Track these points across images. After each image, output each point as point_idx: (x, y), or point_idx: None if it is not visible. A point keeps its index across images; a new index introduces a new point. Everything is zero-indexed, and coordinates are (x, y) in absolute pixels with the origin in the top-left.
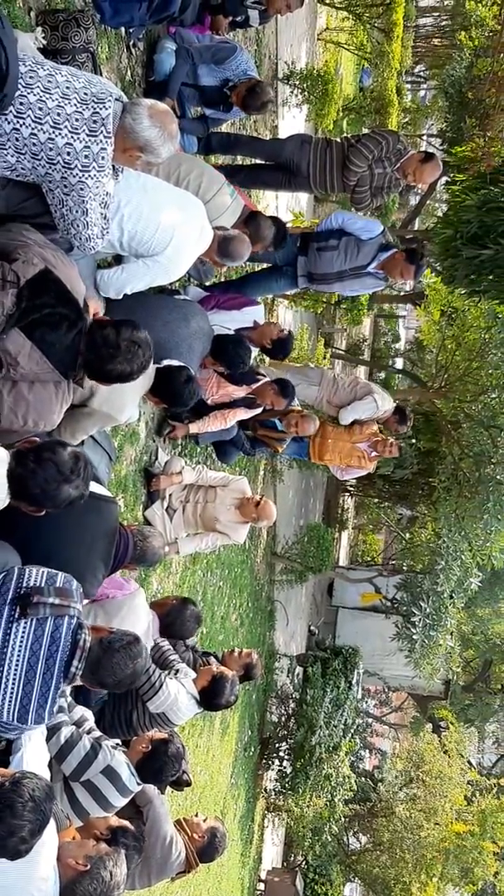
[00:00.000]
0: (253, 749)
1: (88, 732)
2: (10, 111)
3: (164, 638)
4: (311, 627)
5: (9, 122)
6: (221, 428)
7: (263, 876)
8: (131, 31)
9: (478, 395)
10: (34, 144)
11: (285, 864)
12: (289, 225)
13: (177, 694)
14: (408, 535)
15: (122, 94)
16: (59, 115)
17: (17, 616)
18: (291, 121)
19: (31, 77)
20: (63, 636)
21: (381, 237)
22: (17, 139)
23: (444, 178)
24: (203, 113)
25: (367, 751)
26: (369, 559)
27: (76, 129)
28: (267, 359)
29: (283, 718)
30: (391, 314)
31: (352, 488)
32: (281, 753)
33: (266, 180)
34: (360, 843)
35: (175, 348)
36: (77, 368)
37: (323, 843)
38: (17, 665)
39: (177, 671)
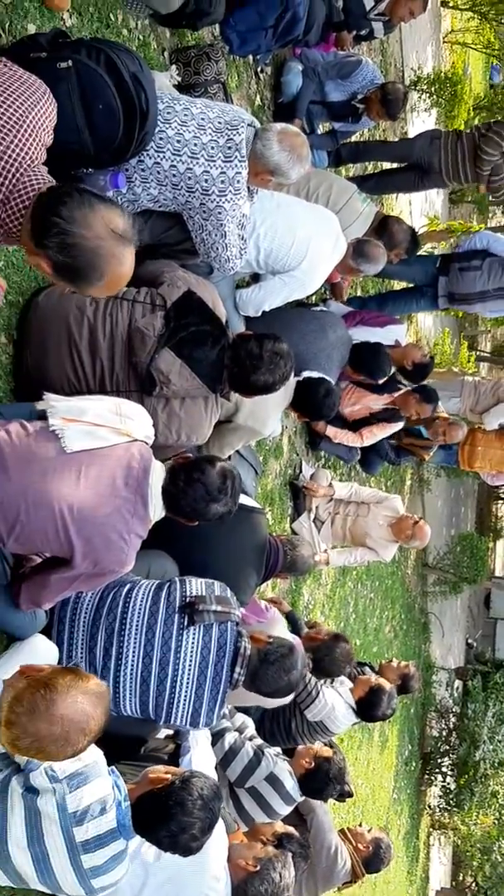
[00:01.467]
0: (414, 764)
1: (250, 739)
2: (151, 146)
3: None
4: (469, 640)
5: (150, 157)
6: (353, 444)
7: None
8: (258, 57)
9: None
10: (174, 175)
11: (454, 883)
12: (424, 230)
13: (334, 702)
14: None
15: (254, 119)
16: (195, 145)
17: (186, 623)
18: (421, 125)
19: (168, 112)
20: (228, 642)
21: None
22: (158, 172)
23: None
24: (332, 128)
25: None
26: None
27: (212, 157)
28: None
29: (444, 733)
30: None
31: None
32: (443, 769)
33: (398, 183)
34: None
35: (313, 359)
36: (223, 382)
37: (493, 864)
38: (189, 670)
39: (332, 680)
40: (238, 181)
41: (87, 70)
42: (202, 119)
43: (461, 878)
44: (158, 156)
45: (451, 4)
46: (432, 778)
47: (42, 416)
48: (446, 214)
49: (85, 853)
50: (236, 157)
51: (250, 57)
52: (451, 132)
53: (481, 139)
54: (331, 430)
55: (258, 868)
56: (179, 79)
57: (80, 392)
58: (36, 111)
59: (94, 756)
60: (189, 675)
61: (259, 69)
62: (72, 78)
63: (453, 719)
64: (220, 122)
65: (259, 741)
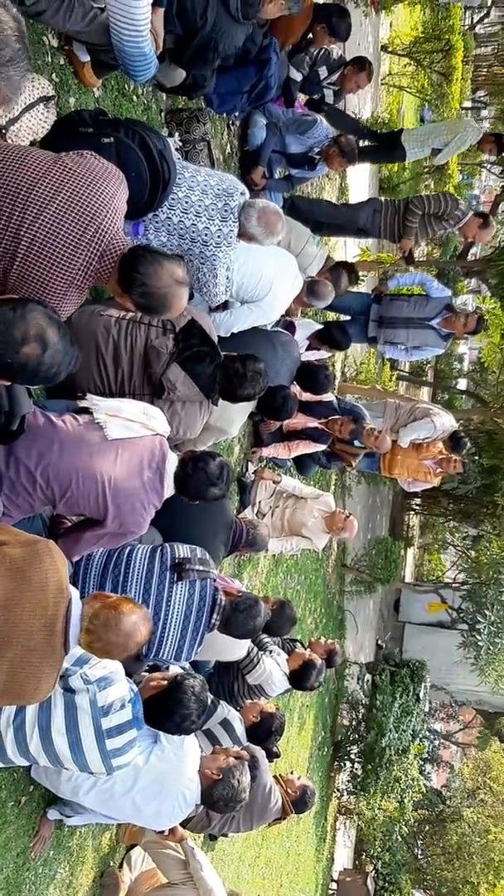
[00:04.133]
0: (326, 749)
1: None
2: (165, 204)
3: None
4: (379, 641)
5: (164, 213)
6: (282, 457)
7: (336, 876)
8: (235, 115)
9: None
10: (182, 228)
11: (356, 864)
12: (357, 258)
13: (272, 669)
14: (473, 553)
15: (245, 188)
16: (200, 205)
17: (175, 579)
18: (359, 168)
19: (179, 178)
20: (208, 595)
21: (447, 299)
22: (168, 224)
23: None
24: (289, 173)
25: (435, 764)
26: (434, 578)
27: (212, 216)
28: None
29: (354, 723)
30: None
31: (417, 507)
32: (352, 756)
33: (342, 234)
34: (429, 854)
35: None
36: (215, 392)
37: (392, 851)
38: (176, 617)
39: (270, 651)
40: (231, 237)
41: (124, 146)
42: (205, 185)
43: (363, 858)
44: (170, 212)
45: (390, 50)
46: (342, 764)
47: (80, 410)
48: (376, 245)
49: (108, 738)
50: (231, 218)
51: (225, 113)
52: (391, 204)
53: (411, 202)
54: (265, 451)
55: (221, 776)
56: (181, 144)
57: (103, 394)
58: (119, 193)
59: (116, 665)
60: (176, 619)
61: (231, 122)
62: (112, 151)
63: (363, 710)
64: (219, 189)
65: (212, 696)
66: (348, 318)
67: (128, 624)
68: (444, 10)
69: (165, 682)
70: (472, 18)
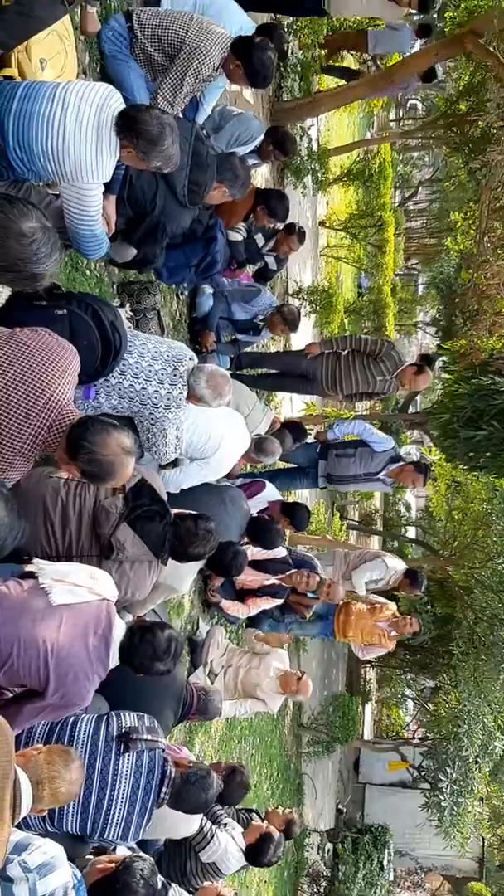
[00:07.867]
0: None
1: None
2: (117, 370)
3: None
4: (339, 806)
5: (114, 377)
6: (240, 615)
7: None
8: (184, 285)
9: (486, 561)
10: (132, 391)
11: None
12: (302, 413)
13: (226, 845)
14: (431, 706)
15: (193, 354)
16: (150, 370)
17: (121, 751)
18: (301, 328)
19: (130, 345)
20: (157, 766)
21: (392, 451)
22: (120, 388)
23: (439, 362)
24: (235, 337)
25: None
26: (394, 734)
27: (161, 380)
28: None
29: None
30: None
31: (373, 660)
32: None
33: (287, 387)
34: None
35: None
36: (165, 551)
37: None
38: (123, 792)
39: (225, 825)
40: (180, 399)
41: (77, 317)
42: (155, 352)
43: None
44: (121, 377)
45: (327, 225)
46: None
47: (26, 574)
48: (320, 401)
49: None
50: (180, 382)
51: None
52: (331, 353)
53: (372, 360)
54: (225, 603)
55: None
56: (131, 314)
57: (50, 556)
58: (71, 367)
59: (57, 850)
60: (123, 794)
61: (180, 292)
62: (65, 322)
63: (325, 883)
64: (168, 355)
65: (162, 879)
66: (296, 466)
67: (76, 758)
68: (376, 191)
69: (113, 866)
70: (403, 196)
